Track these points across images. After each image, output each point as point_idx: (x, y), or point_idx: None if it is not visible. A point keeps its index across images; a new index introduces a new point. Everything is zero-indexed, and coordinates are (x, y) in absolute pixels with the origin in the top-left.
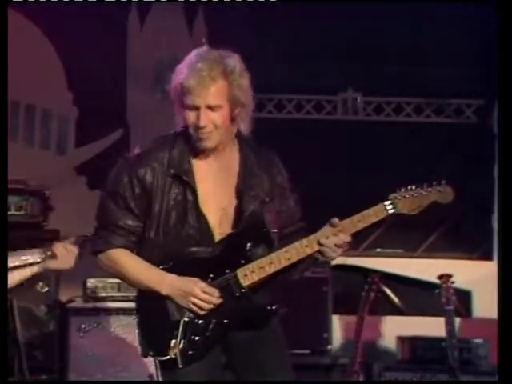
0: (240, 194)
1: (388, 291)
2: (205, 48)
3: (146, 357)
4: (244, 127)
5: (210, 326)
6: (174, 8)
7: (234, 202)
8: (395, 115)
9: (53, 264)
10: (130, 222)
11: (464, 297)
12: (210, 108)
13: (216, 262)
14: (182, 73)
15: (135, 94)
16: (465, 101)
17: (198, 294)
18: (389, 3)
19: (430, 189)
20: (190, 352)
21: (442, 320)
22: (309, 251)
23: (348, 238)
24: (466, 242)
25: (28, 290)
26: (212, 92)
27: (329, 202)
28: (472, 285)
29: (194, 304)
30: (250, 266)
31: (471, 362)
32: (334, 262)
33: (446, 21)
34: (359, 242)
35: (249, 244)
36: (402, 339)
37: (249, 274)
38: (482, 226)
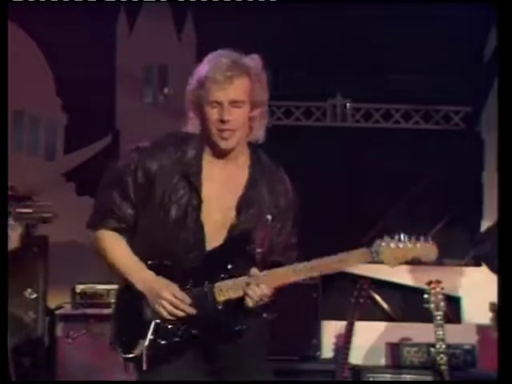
0: (239, 208)
1: (377, 297)
2: (224, 50)
3: (111, 344)
4: (260, 134)
5: (179, 333)
6: (162, 13)
7: (232, 215)
8: (384, 121)
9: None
10: (124, 209)
11: (453, 303)
12: (233, 103)
13: (198, 271)
14: (203, 69)
15: (124, 99)
16: (453, 107)
17: (166, 296)
18: (378, 10)
19: (416, 243)
20: (152, 355)
21: (431, 326)
22: (288, 279)
23: (268, 291)
24: (455, 248)
25: (16, 297)
26: (236, 86)
27: (317, 207)
28: (461, 291)
29: (162, 306)
30: (227, 282)
31: (460, 367)
32: None
33: (435, 28)
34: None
35: (232, 259)
36: (391, 345)
37: (224, 290)
38: (470, 232)
